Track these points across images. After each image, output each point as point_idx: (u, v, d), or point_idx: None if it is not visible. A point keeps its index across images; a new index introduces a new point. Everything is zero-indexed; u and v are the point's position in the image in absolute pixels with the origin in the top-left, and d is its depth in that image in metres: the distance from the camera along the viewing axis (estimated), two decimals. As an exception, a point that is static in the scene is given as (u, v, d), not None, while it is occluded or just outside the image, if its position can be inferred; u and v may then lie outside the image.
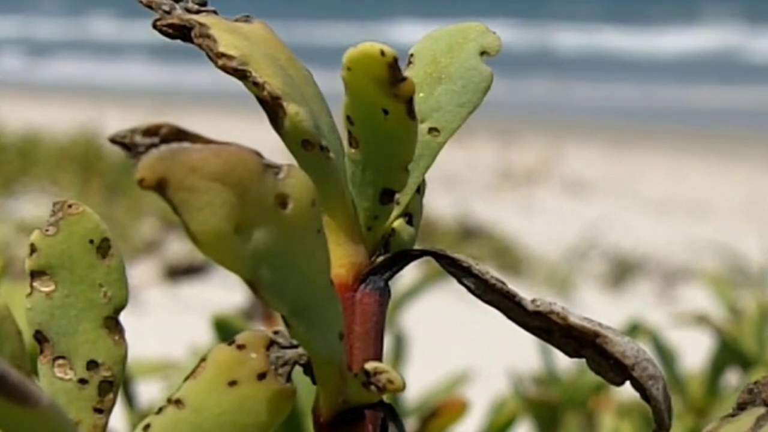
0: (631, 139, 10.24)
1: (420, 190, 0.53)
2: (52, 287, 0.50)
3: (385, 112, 0.46)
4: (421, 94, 0.52)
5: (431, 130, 0.52)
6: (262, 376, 0.45)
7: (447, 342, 3.71)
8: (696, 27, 22.27)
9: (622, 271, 5.29)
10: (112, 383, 0.50)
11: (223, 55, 0.46)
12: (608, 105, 12.75)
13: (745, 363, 1.49)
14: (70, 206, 0.50)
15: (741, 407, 0.47)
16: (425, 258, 0.52)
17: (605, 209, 7.10)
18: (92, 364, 0.50)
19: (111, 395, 0.50)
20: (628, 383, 0.48)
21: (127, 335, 0.51)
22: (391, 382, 0.44)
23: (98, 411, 0.50)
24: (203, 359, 0.45)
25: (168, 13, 0.48)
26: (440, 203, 6.21)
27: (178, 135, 0.37)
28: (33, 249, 0.50)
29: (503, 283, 0.49)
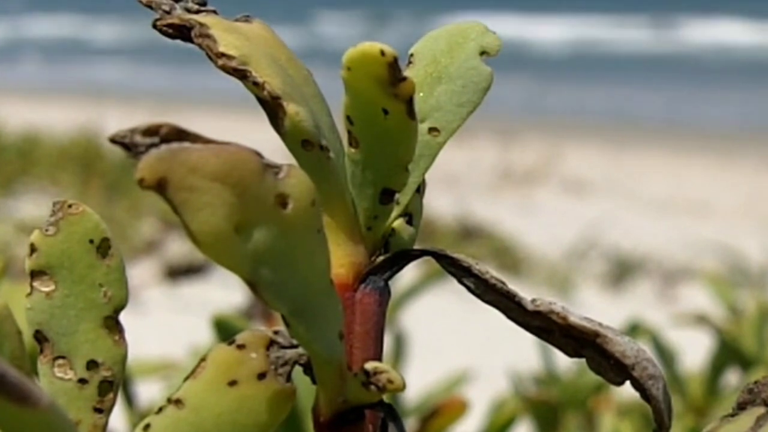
0: (631, 139, 10.24)
1: (420, 189, 0.53)
2: (52, 287, 0.50)
3: (385, 111, 0.46)
4: (421, 94, 0.52)
5: (431, 129, 0.52)
6: (261, 376, 0.45)
7: (447, 342, 3.71)
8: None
9: (622, 271, 5.29)
10: (112, 383, 0.50)
11: (223, 55, 0.46)
12: (608, 105, 12.75)
13: (745, 363, 1.49)
14: (70, 206, 0.50)
15: (741, 407, 0.47)
16: (425, 258, 0.51)
17: (605, 209, 7.10)
18: (92, 364, 0.50)
19: (111, 395, 0.50)
20: (628, 383, 0.48)
21: (127, 335, 0.51)
22: (390, 381, 0.44)
23: (98, 411, 0.50)
24: (203, 359, 0.45)
25: (168, 13, 0.48)
26: (440, 203, 6.21)
27: (178, 135, 0.37)
28: (33, 249, 0.50)
29: (503, 283, 0.49)
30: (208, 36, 0.46)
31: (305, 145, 0.47)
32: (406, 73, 0.52)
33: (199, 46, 0.46)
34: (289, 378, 0.45)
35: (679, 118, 11.73)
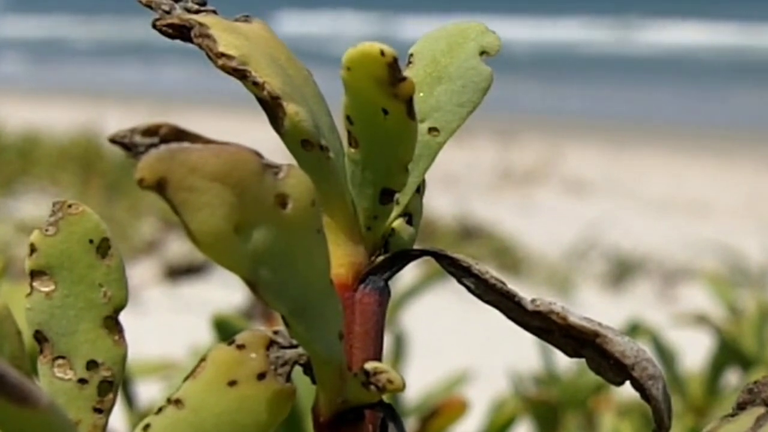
0: (630, 139, 10.24)
1: (420, 189, 0.53)
2: (51, 287, 0.50)
3: (385, 112, 0.46)
4: (420, 94, 0.52)
5: (431, 129, 0.52)
6: (261, 376, 0.45)
7: (447, 342, 3.71)
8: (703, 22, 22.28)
9: (622, 271, 5.29)
10: (112, 383, 0.50)
11: (222, 54, 0.46)
12: (608, 105, 12.75)
13: (745, 363, 1.49)
14: (69, 206, 0.50)
15: (741, 407, 0.47)
16: (425, 258, 0.51)
17: (605, 209, 7.10)
18: (92, 364, 0.50)
19: (111, 395, 0.50)
20: (628, 383, 0.48)
21: (127, 335, 0.51)
22: (390, 382, 0.44)
23: (98, 411, 0.50)
24: (203, 359, 0.45)
25: (168, 12, 0.48)
26: (440, 203, 6.21)
27: (178, 135, 0.37)
28: (33, 249, 0.50)
29: (503, 283, 0.49)
30: (208, 36, 0.46)
31: (305, 145, 0.47)
32: (406, 73, 0.52)
33: (199, 46, 0.46)
34: (288, 378, 0.45)
35: (676, 117, 11.73)
